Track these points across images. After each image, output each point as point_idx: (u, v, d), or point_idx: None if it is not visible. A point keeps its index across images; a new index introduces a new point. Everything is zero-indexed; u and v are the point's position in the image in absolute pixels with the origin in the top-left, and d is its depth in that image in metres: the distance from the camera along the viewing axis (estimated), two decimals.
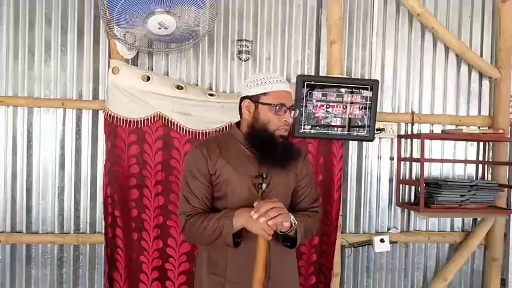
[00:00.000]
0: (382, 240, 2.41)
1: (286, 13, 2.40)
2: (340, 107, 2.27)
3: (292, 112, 1.49)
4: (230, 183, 1.46)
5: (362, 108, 2.28)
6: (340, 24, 2.31)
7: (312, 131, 2.26)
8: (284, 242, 1.47)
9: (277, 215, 1.29)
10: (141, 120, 2.17)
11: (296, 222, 1.38)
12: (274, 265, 1.47)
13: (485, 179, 2.56)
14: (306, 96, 2.24)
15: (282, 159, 1.46)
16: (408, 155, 2.52)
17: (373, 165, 2.50)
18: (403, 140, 2.50)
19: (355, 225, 2.49)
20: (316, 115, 2.26)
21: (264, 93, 1.45)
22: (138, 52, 2.25)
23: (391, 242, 2.44)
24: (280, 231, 1.38)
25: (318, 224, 1.58)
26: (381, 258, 2.52)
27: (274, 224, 1.29)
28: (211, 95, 2.22)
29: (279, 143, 1.46)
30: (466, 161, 2.56)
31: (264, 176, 1.47)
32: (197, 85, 2.33)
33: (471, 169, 2.59)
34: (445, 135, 2.47)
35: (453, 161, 2.53)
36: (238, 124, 1.56)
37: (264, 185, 1.46)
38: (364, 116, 2.28)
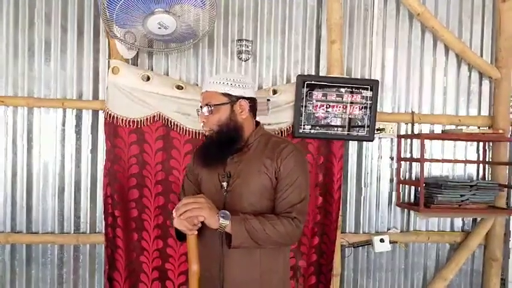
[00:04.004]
0: (382, 240, 2.41)
1: (286, 13, 2.39)
2: (340, 107, 2.27)
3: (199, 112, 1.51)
4: (203, 181, 1.55)
5: (362, 108, 2.28)
6: (340, 24, 2.31)
7: (312, 131, 2.27)
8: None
9: (185, 210, 1.28)
10: (141, 120, 2.18)
11: (224, 220, 1.30)
12: (230, 266, 1.42)
13: (485, 179, 2.56)
14: (306, 96, 2.24)
15: (202, 157, 1.52)
16: (408, 155, 2.52)
17: (373, 165, 2.50)
18: (403, 140, 2.50)
19: (355, 225, 2.49)
20: (316, 115, 2.26)
21: None
22: (138, 52, 2.25)
23: (391, 242, 2.43)
24: (218, 229, 1.32)
25: (289, 231, 1.36)
26: (380, 258, 2.52)
27: (188, 219, 1.29)
28: None
29: (205, 141, 1.53)
30: (466, 161, 2.56)
31: (229, 175, 1.45)
32: (197, 85, 2.33)
33: (471, 169, 2.59)
34: (445, 135, 2.47)
35: (453, 161, 2.53)
36: None
37: (224, 184, 1.45)
38: (364, 116, 2.28)
